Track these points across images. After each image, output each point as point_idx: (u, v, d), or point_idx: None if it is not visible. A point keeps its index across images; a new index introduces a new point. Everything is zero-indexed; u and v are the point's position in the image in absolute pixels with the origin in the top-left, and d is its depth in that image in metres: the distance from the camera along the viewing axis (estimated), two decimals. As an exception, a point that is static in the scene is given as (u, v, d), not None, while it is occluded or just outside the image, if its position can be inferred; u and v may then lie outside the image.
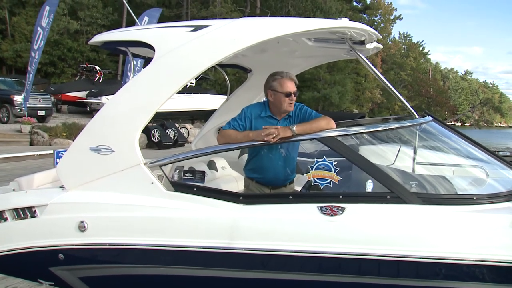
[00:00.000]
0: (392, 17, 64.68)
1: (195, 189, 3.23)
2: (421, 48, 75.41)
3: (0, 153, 13.53)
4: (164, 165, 3.36)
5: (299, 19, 3.27)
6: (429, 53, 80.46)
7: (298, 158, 3.84)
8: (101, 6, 36.46)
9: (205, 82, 33.37)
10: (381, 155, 3.63)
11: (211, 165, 4.70)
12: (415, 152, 3.69)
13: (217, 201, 3.14)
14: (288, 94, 3.47)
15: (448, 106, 66.48)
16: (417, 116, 3.57)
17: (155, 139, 18.57)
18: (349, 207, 2.93)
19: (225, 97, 5.68)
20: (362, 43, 3.49)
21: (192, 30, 3.25)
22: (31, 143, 17.18)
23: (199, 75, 26.13)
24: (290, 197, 3.23)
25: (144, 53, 4.12)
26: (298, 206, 3.08)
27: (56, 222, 3.33)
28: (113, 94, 3.52)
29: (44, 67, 32.25)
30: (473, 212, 2.91)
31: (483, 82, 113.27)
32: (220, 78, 32.39)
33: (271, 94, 3.54)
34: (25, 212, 3.39)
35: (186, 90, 23.54)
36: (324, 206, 2.94)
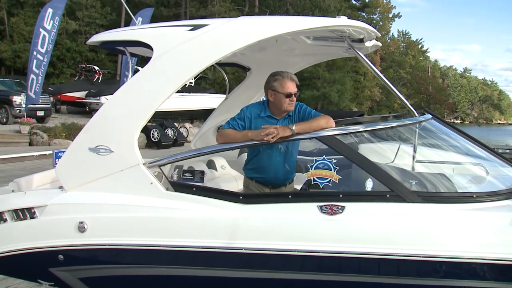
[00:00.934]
0: (391, 15, 64.70)
1: (194, 189, 3.23)
2: (420, 46, 75.45)
3: (0, 154, 13.53)
4: (163, 165, 3.36)
5: (297, 18, 3.26)
6: (428, 51, 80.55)
7: (298, 156, 3.83)
8: (99, 6, 36.49)
9: (204, 81, 33.40)
10: (381, 153, 3.62)
11: (211, 165, 4.69)
12: (414, 150, 3.68)
13: (216, 200, 3.13)
14: (289, 95, 3.46)
15: (447, 103, 66.47)
16: (416, 114, 3.56)
17: (155, 139, 18.57)
18: (349, 206, 2.93)
19: (224, 96, 5.67)
20: (361, 41, 3.48)
21: (190, 30, 3.24)
22: (30, 144, 17.18)
23: (198, 75, 26.15)
24: (290, 196, 3.22)
25: (142, 53, 4.10)
26: (297, 205, 3.08)
27: (56, 223, 3.32)
28: (112, 94, 3.51)
29: (42, 68, 32.20)
30: (473, 210, 2.91)
31: (482, 79, 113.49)
32: (219, 77, 32.40)
33: (271, 94, 3.53)
34: (25, 213, 3.38)
35: (185, 89, 23.54)
36: (324, 205, 2.93)
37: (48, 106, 21.29)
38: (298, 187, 3.80)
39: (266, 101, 3.62)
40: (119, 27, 25.00)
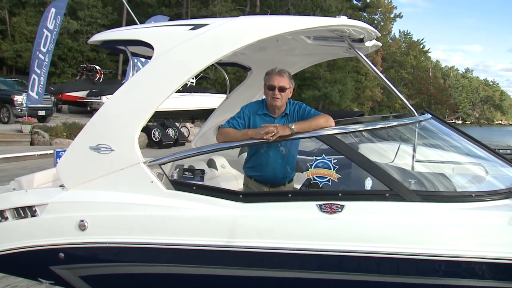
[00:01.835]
0: (392, 15, 64.69)
1: (194, 187, 3.24)
2: (421, 46, 75.39)
3: (1, 153, 13.57)
4: (164, 163, 3.37)
5: (297, 17, 3.27)
6: (429, 51, 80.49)
7: (298, 156, 3.84)
8: (101, 6, 36.47)
9: (205, 81, 33.41)
10: (381, 153, 3.63)
11: (211, 164, 4.70)
12: (414, 150, 3.69)
13: (216, 199, 3.15)
14: (271, 87, 3.49)
15: (449, 104, 66.41)
16: (416, 114, 3.57)
17: (156, 139, 18.59)
18: (348, 204, 2.94)
19: (225, 96, 5.68)
20: (361, 41, 3.50)
21: (191, 29, 3.25)
22: (32, 143, 17.22)
23: (199, 74, 26.15)
24: (290, 195, 3.24)
25: (143, 52, 4.12)
26: (297, 204, 3.09)
27: (57, 221, 3.34)
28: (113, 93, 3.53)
29: (44, 67, 32.25)
30: (471, 210, 2.92)
31: (483, 80, 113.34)
32: (220, 77, 32.42)
33: (263, 90, 3.58)
34: (26, 211, 3.39)
35: (186, 89, 23.56)
36: (323, 204, 2.95)
37: (50, 105, 21.29)
38: (298, 186, 3.81)
39: (264, 99, 3.64)
40: (121, 26, 25.04)
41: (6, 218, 3.45)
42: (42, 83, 17.99)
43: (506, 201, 3.01)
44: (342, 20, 3.14)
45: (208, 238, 3.06)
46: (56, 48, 30.64)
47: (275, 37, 3.28)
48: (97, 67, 29.75)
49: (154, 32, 3.53)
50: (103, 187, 3.31)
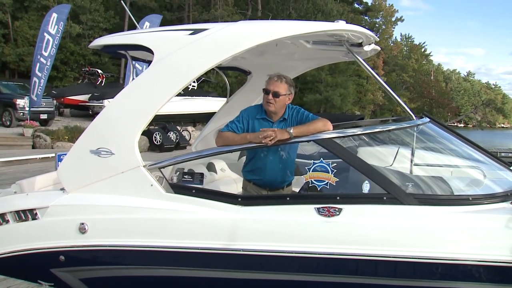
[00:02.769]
0: (393, 19, 64.69)
1: (194, 191, 3.26)
2: (423, 50, 75.34)
3: (3, 156, 13.61)
4: (164, 167, 3.39)
5: (296, 22, 3.29)
6: (431, 54, 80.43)
7: (298, 160, 3.87)
8: (103, 10, 36.60)
9: (207, 85, 33.44)
10: (379, 157, 3.65)
11: (210, 167, 4.73)
12: (412, 154, 3.70)
13: (215, 202, 3.17)
14: (266, 91, 3.53)
15: (451, 107, 66.25)
16: (414, 118, 3.59)
17: (157, 142, 18.62)
18: (346, 208, 2.96)
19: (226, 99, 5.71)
20: (360, 45, 3.52)
21: (191, 34, 3.28)
22: (34, 147, 17.28)
23: (201, 78, 26.17)
24: (288, 198, 3.26)
25: (143, 57, 4.15)
26: (295, 207, 3.11)
27: (57, 224, 3.36)
28: (115, 97, 3.56)
29: (46, 71, 32.37)
30: (468, 213, 2.93)
31: (485, 83, 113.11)
32: (222, 80, 32.38)
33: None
34: (27, 214, 3.42)
35: (188, 92, 23.60)
36: (321, 207, 2.97)
37: (52, 109, 21.39)
38: (297, 190, 3.83)
39: None
40: (123, 30, 25.08)
41: (7, 221, 3.47)
42: (42, 85, 18.10)
43: (503, 204, 3.02)
44: (340, 25, 3.16)
45: (207, 241, 3.08)
46: (58, 52, 30.81)
47: (274, 42, 3.31)
48: (99, 71, 29.81)
49: (154, 36, 3.57)
50: (103, 190, 3.34)
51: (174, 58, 3.28)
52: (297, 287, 3.05)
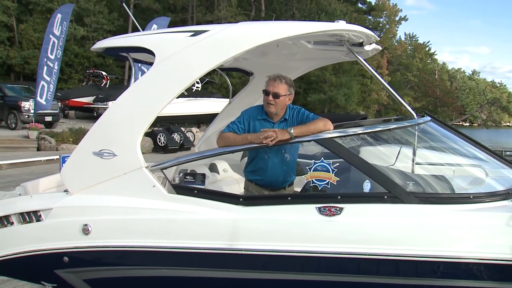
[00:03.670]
0: (397, 18, 64.56)
1: (196, 191, 3.28)
2: (427, 49, 75.15)
3: (8, 158, 13.68)
4: (166, 168, 3.41)
5: (296, 23, 3.31)
6: (435, 53, 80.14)
7: (300, 160, 3.88)
8: (107, 12, 36.72)
9: (211, 86, 33.49)
10: (381, 156, 3.66)
11: (213, 168, 4.75)
12: (414, 153, 3.71)
13: (217, 203, 3.19)
14: (266, 93, 3.55)
15: (456, 106, 66.03)
16: (415, 116, 3.59)
17: (161, 143, 18.64)
18: (347, 207, 2.97)
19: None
20: (361, 45, 3.53)
21: (192, 35, 3.30)
22: (38, 149, 17.33)
23: (204, 79, 26.17)
24: (289, 198, 3.27)
25: (145, 58, 4.17)
26: (297, 207, 3.12)
27: (61, 226, 3.39)
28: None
29: (51, 73, 32.54)
30: (469, 211, 2.94)
31: (490, 81, 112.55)
32: (226, 81, 32.36)
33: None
34: (31, 216, 3.45)
35: (191, 94, 23.62)
36: (323, 206, 2.98)
37: (56, 111, 21.45)
38: (298, 189, 3.84)
39: None
40: (127, 32, 25.18)
41: (12, 223, 3.50)
42: (51, 90, 18.15)
43: (504, 202, 3.03)
44: (340, 25, 3.17)
45: (210, 241, 3.10)
46: (63, 54, 31.00)
47: (275, 42, 3.32)
48: (104, 73, 29.93)
49: (156, 38, 3.59)
50: (106, 191, 3.36)
51: (175, 60, 3.30)
52: (299, 286, 3.06)
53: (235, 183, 4.69)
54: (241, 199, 3.22)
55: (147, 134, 3.84)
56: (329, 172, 3.11)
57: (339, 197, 3.04)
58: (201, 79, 25.98)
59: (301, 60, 4.74)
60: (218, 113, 5.81)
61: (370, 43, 3.62)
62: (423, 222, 2.90)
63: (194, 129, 23.11)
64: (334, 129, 3.27)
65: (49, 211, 3.40)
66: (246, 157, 4.70)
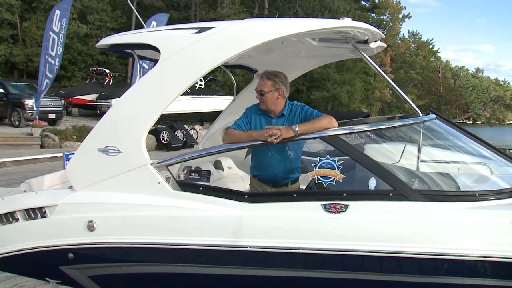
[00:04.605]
0: (401, 16, 64.33)
1: (201, 188, 3.29)
2: (430, 47, 74.87)
3: (12, 156, 13.71)
4: (171, 165, 3.42)
5: (301, 20, 3.31)
6: (439, 51, 79.89)
7: (305, 157, 3.87)
8: (110, 10, 36.74)
9: (214, 83, 33.47)
10: (386, 154, 3.65)
11: (218, 165, 4.75)
12: (419, 150, 3.70)
13: (222, 199, 3.19)
14: (256, 91, 3.62)
15: (459, 104, 65.78)
16: (420, 114, 3.58)
17: (165, 141, 18.64)
18: (352, 204, 2.97)
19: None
20: (366, 42, 3.52)
21: (197, 32, 3.30)
22: (42, 146, 17.37)
23: (208, 76, 26.12)
24: (294, 195, 3.27)
25: (150, 55, 4.18)
26: (302, 204, 3.13)
27: (66, 222, 3.40)
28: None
29: (54, 71, 32.61)
30: (475, 209, 2.93)
31: (494, 79, 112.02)
32: (229, 79, 32.36)
33: None
34: (36, 213, 3.46)
35: (195, 91, 23.63)
36: (328, 203, 2.98)
37: (60, 109, 21.53)
38: (303, 187, 3.84)
39: None
40: (130, 30, 25.16)
41: (17, 220, 3.52)
42: (47, 85, 18.26)
43: (510, 200, 3.02)
44: (345, 22, 3.17)
45: (214, 238, 3.10)
46: (66, 52, 31.03)
47: (280, 40, 3.32)
48: (107, 71, 29.96)
49: (161, 35, 3.59)
50: (111, 188, 3.37)
51: (180, 57, 3.30)
52: (304, 283, 3.06)
53: (240, 180, 4.69)
54: (246, 196, 3.22)
55: (150, 132, 3.89)
56: (334, 169, 3.11)
57: (344, 194, 3.04)
58: (205, 77, 25.97)
59: (306, 58, 4.73)
60: (221, 111, 5.82)
61: (375, 41, 3.61)
62: (428, 219, 2.90)
63: (197, 127, 23.11)
64: (338, 126, 3.26)
65: (54, 208, 3.41)
66: (251, 155, 4.71)
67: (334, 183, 3.10)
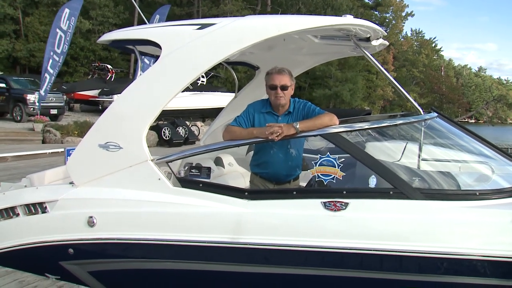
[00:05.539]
0: (403, 14, 64.21)
1: (201, 184, 3.28)
2: (433, 45, 74.71)
3: (14, 151, 13.76)
4: (171, 161, 3.42)
5: (303, 17, 3.29)
6: (441, 49, 79.68)
7: (305, 154, 3.87)
8: (112, 5, 36.72)
9: (216, 80, 33.48)
10: (387, 152, 3.64)
11: (218, 162, 4.75)
12: (420, 149, 3.69)
13: (222, 196, 3.19)
14: (273, 87, 3.53)
15: (461, 103, 65.62)
16: (422, 112, 3.57)
17: (166, 137, 18.67)
18: (353, 202, 2.96)
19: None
20: (368, 40, 3.51)
21: (198, 28, 3.29)
22: (44, 141, 17.43)
23: (210, 73, 26.10)
24: (294, 192, 3.27)
25: (151, 51, 4.17)
26: (302, 201, 3.12)
27: (66, 218, 3.40)
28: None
29: (57, 66, 32.64)
30: (475, 208, 2.92)
31: (497, 78, 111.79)
32: (231, 76, 32.28)
33: (266, 89, 3.62)
34: (36, 208, 3.46)
35: (197, 88, 23.62)
36: (328, 201, 2.97)
37: (61, 104, 21.56)
38: (304, 184, 3.83)
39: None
40: (132, 25, 25.15)
41: (18, 215, 3.52)
42: (51, 82, 18.26)
43: (511, 199, 3.01)
44: (348, 19, 3.15)
45: (214, 234, 3.10)
46: (68, 47, 30.98)
47: (282, 36, 3.31)
48: (109, 66, 29.98)
49: (162, 31, 3.58)
50: (111, 184, 3.37)
51: (181, 53, 3.29)
52: (303, 281, 3.06)
53: (240, 177, 4.68)
54: (246, 193, 3.22)
55: (151, 128, 3.88)
56: (335, 167, 3.10)
57: (344, 192, 3.03)
58: (206, 73, 25.95)
59: (308, 55, 4.72)
60: (223, 108, 5.81)
61: (377, 38, 3.60)
62: (428, 218, 2.89)
63: (199, 123, 23.13)
64: (339, 124, 3.26)
65: (55, 203, 3.41)
66: (251, 152, 4.70)
67: (335, 181, 3.10)
